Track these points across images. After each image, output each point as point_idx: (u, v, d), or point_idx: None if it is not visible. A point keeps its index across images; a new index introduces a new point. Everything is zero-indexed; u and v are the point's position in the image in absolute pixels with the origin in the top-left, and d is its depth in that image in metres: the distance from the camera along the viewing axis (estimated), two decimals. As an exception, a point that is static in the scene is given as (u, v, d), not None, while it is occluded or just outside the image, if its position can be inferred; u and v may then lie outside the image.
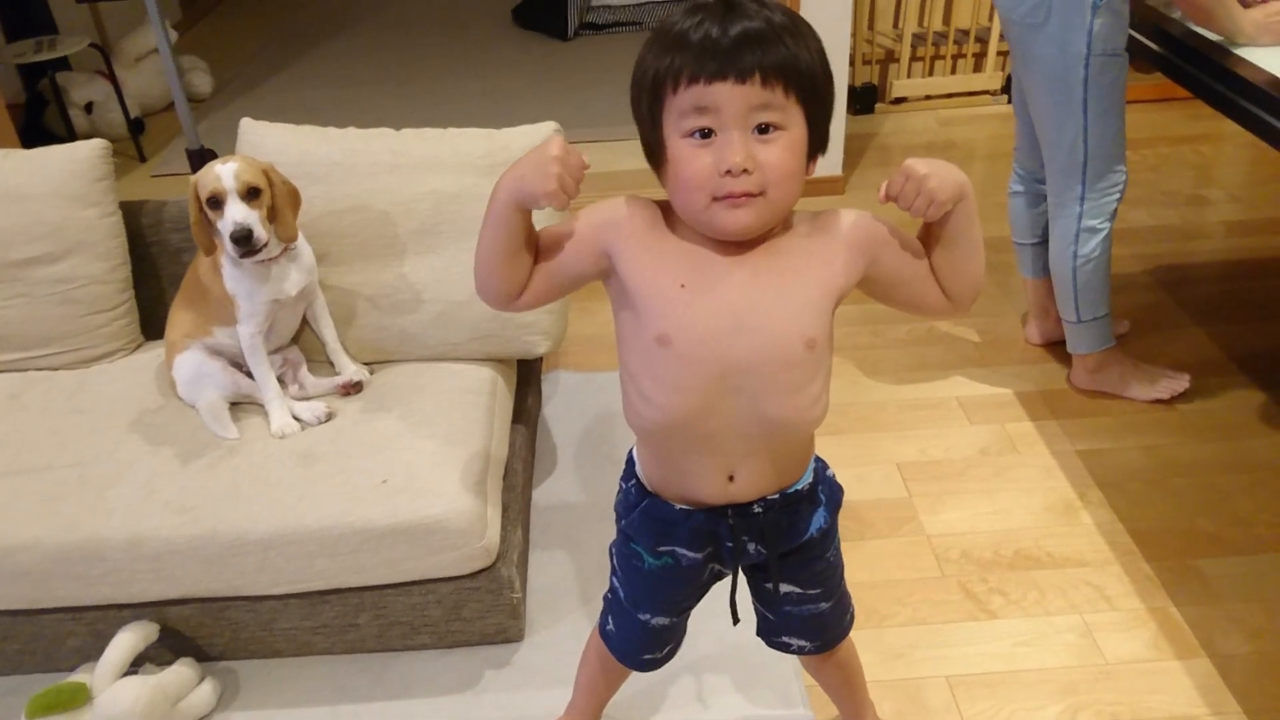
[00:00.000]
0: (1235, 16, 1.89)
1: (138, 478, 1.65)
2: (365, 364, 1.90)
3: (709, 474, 1.12)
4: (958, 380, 2.38)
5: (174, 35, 3.79)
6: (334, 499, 1.58)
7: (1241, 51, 1.90)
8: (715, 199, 0.97)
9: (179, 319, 1.84)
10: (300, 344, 1.91)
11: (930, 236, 1.08)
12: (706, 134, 0.96)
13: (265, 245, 1.64)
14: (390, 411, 1.76)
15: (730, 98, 0.93)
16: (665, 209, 1.07)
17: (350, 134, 1.94)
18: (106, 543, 1.56)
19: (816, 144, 1.01)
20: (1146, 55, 2.15)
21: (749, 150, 0.95)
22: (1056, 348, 2.45)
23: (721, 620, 1.30)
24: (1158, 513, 1.97)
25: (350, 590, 1.64)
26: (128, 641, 1.60)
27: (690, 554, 1.20)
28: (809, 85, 0.96)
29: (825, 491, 1.22)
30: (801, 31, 0.97)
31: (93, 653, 1.63)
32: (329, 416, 1.77)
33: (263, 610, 1.66)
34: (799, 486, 1.17)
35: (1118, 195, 2.12)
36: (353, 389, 1.84)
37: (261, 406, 1.78)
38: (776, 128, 0.95)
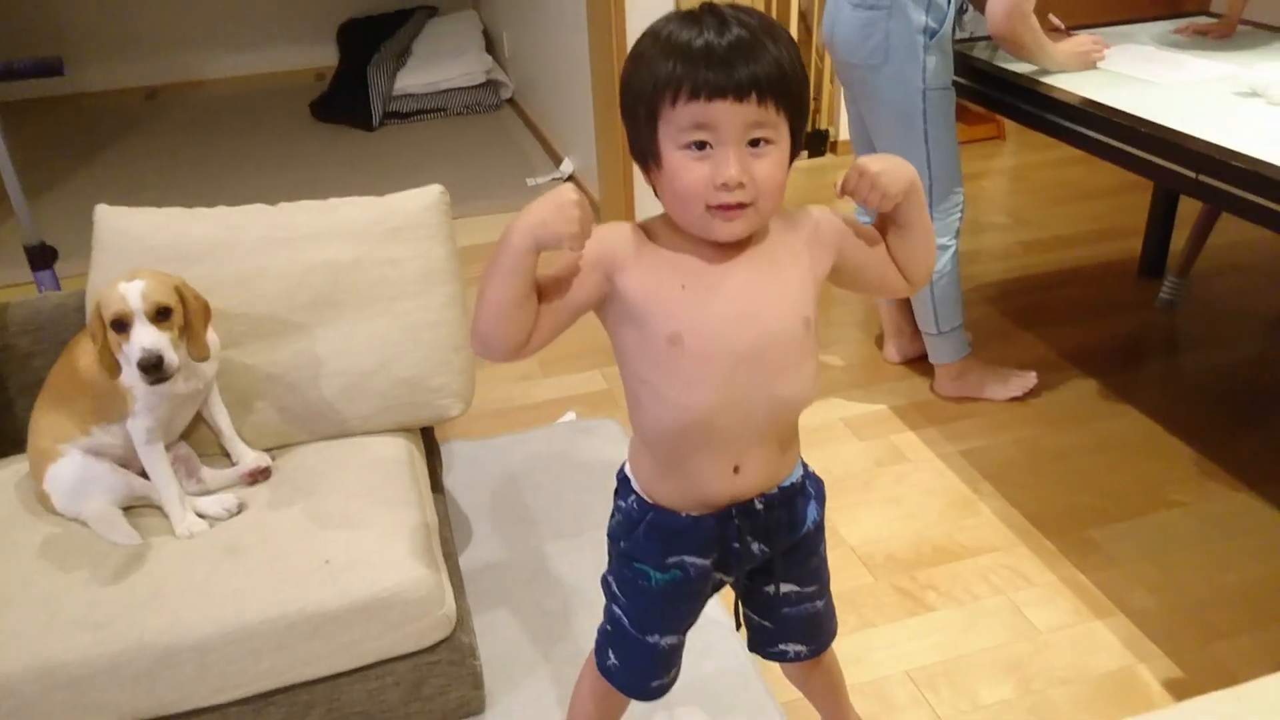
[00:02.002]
0: (1048, 50, 2.16)
1: (34, 600, 1.44)
2: (265, 450, 1.77)
3: (716, 468, 1.15)
4: (836, 403, 2.50)
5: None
6: (275, 587, 1.45)
7: (1051, 79, 2.17)
8: (709, 208, 1.02)
9: (47, 423, 1.65)
10: (187, 439, 1.76)
11: (885, 225, 1.17)
12: (702, 146, 1.00)
13: (177, 371, 1.51)
14: (312, 492, 1.65)
15: (729, 115, 0.98)
16: (646, 227, 1.11)
17: (222, 212, 1.84)
18: (10, 675, 1.35)
19: (794, 151, 1.07)
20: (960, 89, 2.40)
21: (744, 165, 1.00)
22: (914, 364, 2.63)
23: (688, 651, 1.31)
24: (1043, 495, 2.14)
25: (299, 686, 1.50)
26: (42, 789, 1.38)
27: (699, 561, 1.21)
28: (796, 103, 1.03)
29: (812, 485, 1.26)
30: (781, 37, 1.03)
31: (-5, 811, 1.40)
32: (240, 508, 1.64)
33: (198, 727, 1.49)
34: (793, 480, 1.22)
35: (959, 214, 2.34)
36: (260, 475, 1.71)
37: (158, 509, 1.62)
38: (767, 142, 1.01)
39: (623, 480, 1.24)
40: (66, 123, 4.98)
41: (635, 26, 2.89)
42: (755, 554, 1.22)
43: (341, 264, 1.79)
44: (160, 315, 1.50)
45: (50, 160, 4.45)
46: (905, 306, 2.60)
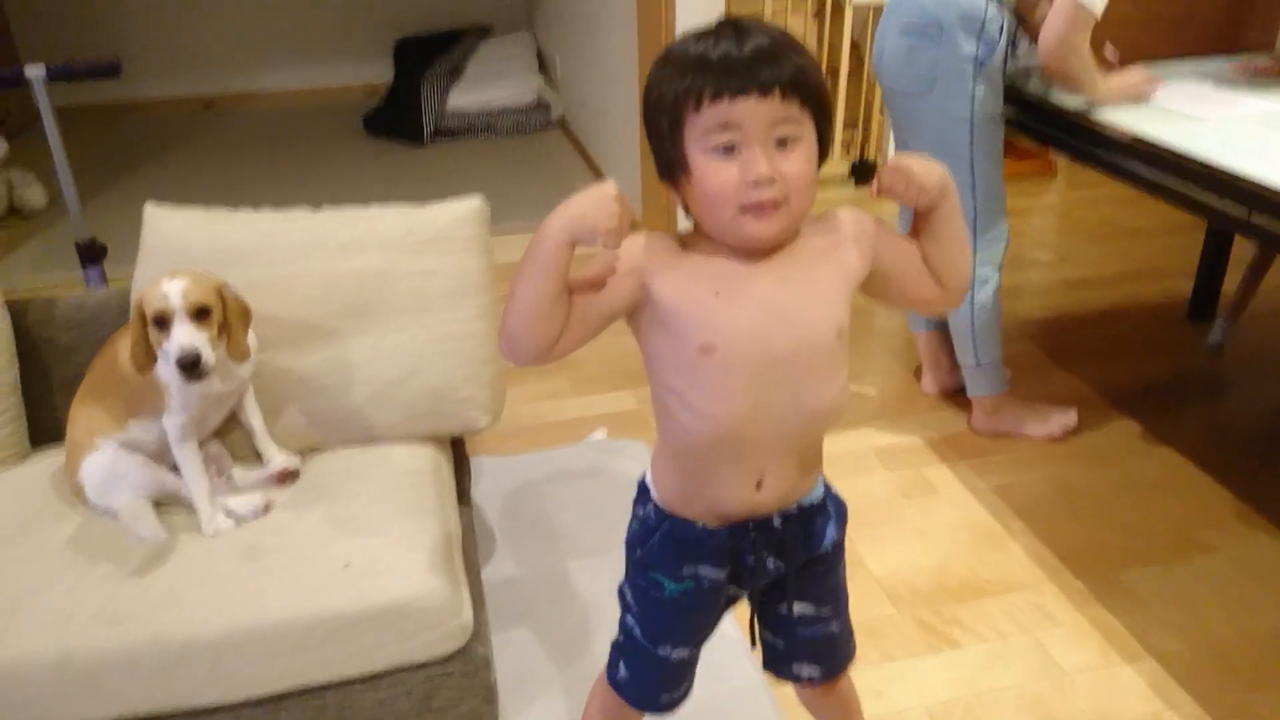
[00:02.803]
0: (1097, 82, 2.13)
1: (57, 593, 1.46)
2: (294, 453, 1.79)
3: (739, 481, 1.14)
4: (867, 433, 2.48)
5: (5, 147, 3.57)
6: (293, 590, 1.46)
7: (1102, 115, 2.13)
8: (743, 209, 1.02)
9: (84, 416, 1.69)
10: (221, 438, 1.79)
11: (920, 229, 1.16)
12: (730, 148, 1.01)
13: (213, 370, 1.54)
14: (335, 497, 1.66)
15: (754, 113, 0.99)
16: (681, 238, 1.11)
17: (263, 216, 1.88)
18: (28, 664, 1.37)
19: (823, 151, 1.08)
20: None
21: (773, 162, 1.00)
22: (950, 397, 2.60)
23: (727, 664, 1.29)
24: (1074, 534, 2.10)
25: (311, 691, 1.50)
26: (55, 778, 1.40)
27: (713, 573, 1.20)
28: (817, 96, 1.03)
29: (833, 505, 1.25)
30: (802, 48, 1.04)
31: (10, 796, 1.41)
32: (267, 509, 1.65)
33: (211, 725, 1.50)
34: (813, 499, 1.21)
35: (1003, 246, 2.31)
36: (289, 477, 1.72)
37: (187, 506, 1.64)
38: (794, 139, 1.01)
39: (642, 488, 1.24)
40: (126, 129, 5.12)
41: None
42: (769, 569, 1.21)
43: (374, 272, 1.81)
44: (200, 315, 1.52)
45: (107, 164, 4.58)
46: (944, 338, 2.57)
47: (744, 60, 0.98)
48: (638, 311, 1.10)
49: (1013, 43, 2.23)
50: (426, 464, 1.79)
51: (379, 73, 5.53)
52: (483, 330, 1.86)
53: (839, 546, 1.26)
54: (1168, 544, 2.06)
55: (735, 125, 0.99)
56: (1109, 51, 2.37)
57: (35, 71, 1.89)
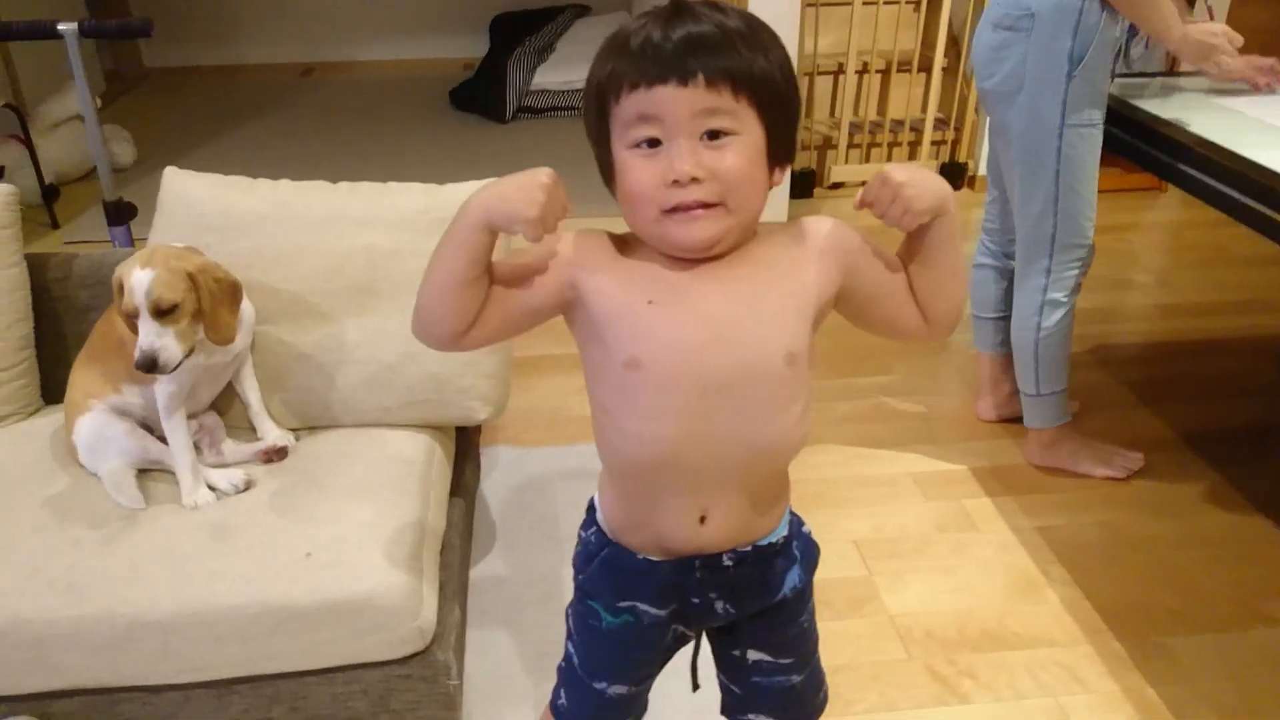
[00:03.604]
0: (1171, 24, 1.88)
1: (20, 555, 1.45)
2: (290, 430, 1.75)
3: (680, 514, 1.02)
4: (909, 456, 2.31)
5: (98, 103, 3.66)
6: (249, 575, 1.42)
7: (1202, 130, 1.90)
8: (665, 211, 0.91)
9: (82, 377, 1.68)
10: (220, 409, 1.76)
11: (909, 251, 1.02)
12: (654, 143, 0.90)
13: (178, 365, 1.49)
14: (316, 480, 1.61)
15: (674, 102, 0.87)
16: (620, 237, 1.00)
17: (282, 186, 1.84)
18: (-23, 627, 1.37)
19: (779, 152, 0.94)
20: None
21: (697, 158, 0.88)
22: (1007, 424, 2.41)
23: (679, 700, 1.19)
24: (1121, 590, 1.90)
25: (264, 679, 1.46)
26: (0, 741, 1.39)
27: (652, 610, 1.09)
28: (763, 89, 0.90)
29: (800, 548, 1.13)
30: (761, 40, 0.92)
31: (-42, 755, 1.41)
32: (247, 485, 1.61)
33: (161, 703, 1.47)
34: (772, 539, 1.08)
35: (1080, 269, 2.10)
36: (276, 455, 1.68)
37: (172, 474, 1.61)
38: (727, 133, 0.89)
39: (590, 508, 1.15)
40: (226, 92, 5.23)
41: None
42: (719, 613, 1.09)
43: (382, 251, 1.75)
44: (164, 312, 1.48)
45: (203, 125, 4.68)
46: (1008, 361, 2.37)
47: (667, 46, 0.87)
48: (571, 314, 1.00)
49: (1125, 44, 2.01)
50: (420, 452, 1.72)
51: (474, 47, 5.52)
52: (490, 319, 1.78)
53: (803, 593, 1.14)
54: (1226, 612, 1.85)
55: (655, 117, 0.88)
56: (1210, 3, 2.11)
57: (68, 26, 1.89)
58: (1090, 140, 1.99)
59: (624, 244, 0.99)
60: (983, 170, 3.87)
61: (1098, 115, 1.98)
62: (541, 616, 1.81)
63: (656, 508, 1.03)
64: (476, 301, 0.97)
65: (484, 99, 4.81)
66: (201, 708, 1.48)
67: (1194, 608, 1.86)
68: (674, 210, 0.90)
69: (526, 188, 0.90)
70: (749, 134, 0.90)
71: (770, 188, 0.96)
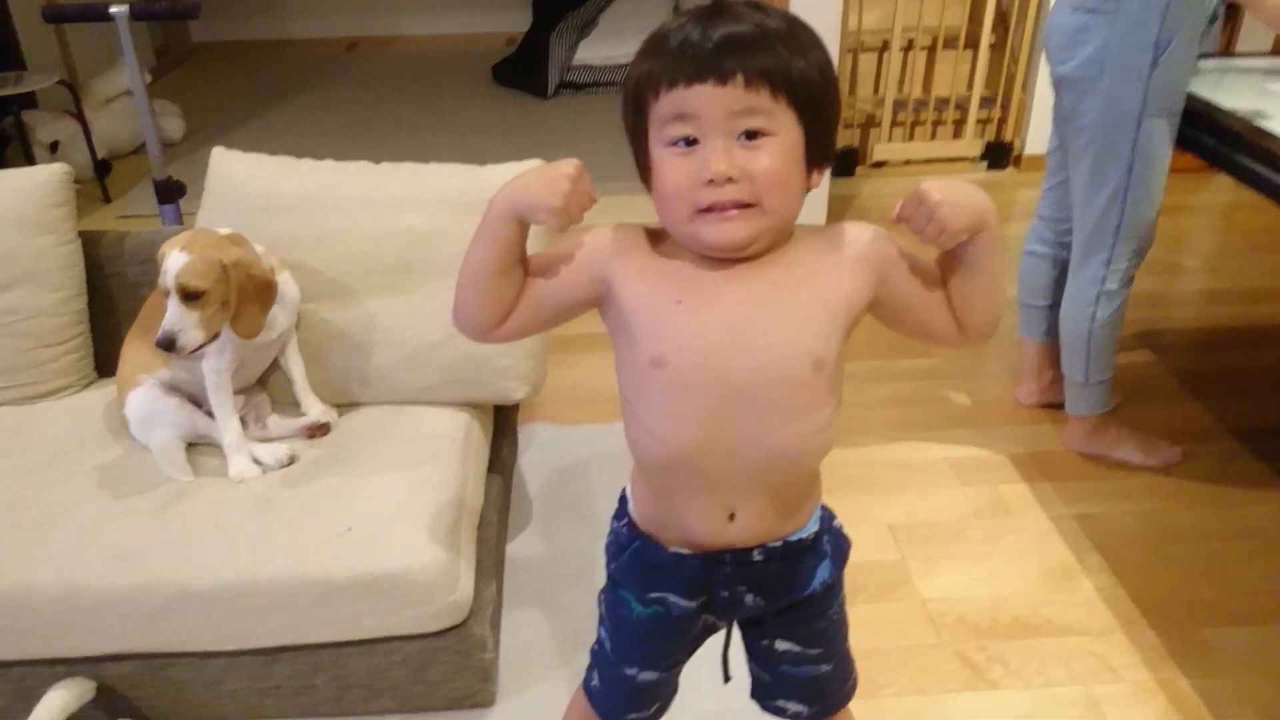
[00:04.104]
0: None
1: (77, 523, 1.51)
2: (332, 406, 1.79)
3: (708, 512, 1.03)
4: (946, 441, 2.31)
5: (148, 78, 3.72)
6: (291, 549, 1.46)
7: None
8: (699, 211, 0.91)
9: (133, 352, 1.73)
10: (266, 385, 1.80)
11: (947, 262, 1.00)
12: (690, 142, 0.90)
13: (200, 347, 1.54)
14: (357, 456, 1.65)
15: (711, 101, 0.87)
16: (655, 233, 1.01)
17: (325, 167, 1.87)
18: (38, 592, 1.42)
19: (817, 153, 0.94)
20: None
21: (732, 158, 0.88)
22: (1048, 409, 2.39)
23: (710, 683, 1.20)
24: (1159, 580, 1.89)
25: (306, 648, 1.51)
26: (58, 701, 1.45)
27: (682, 602, 1.10)
28: (802, 90, 0.89)
29: (831, 542, 1.13)
30: (800, 40, 0.91)
31: (19, 713, 1.47)
32: (291, 460, 1.66)
33: (209, 669, 1.52)
34: (802, 535, 1.08)
35: (1138, 260, 2.06)
36: (319, 431, 1.72)
37: (219, 447, 1.66)
38: (763, 133, 0.89)
39: (622, 500, 1.16)
40: (272, 66, 5.28)
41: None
42: (748, 605, 1.11)
43: (421, 232, 1.77)
44: (190, 297, 1.52)
45: (250, 100, 4.74)
46: (1053, 348, 2.34)
47: (706, 45, 0.87)
48: (603, 308, 1.01)
49: (1212, 20, 1.89)
50: (458, 430, 1.75)
51: (517, 21, 5.51)
52: (529, 299, 1.80)
53: (832, 587, 1.14)
54: (1268, 605, 1.82)
55: (692, 115, 0.88)
56: None
57: (119, 9, 1.93)
58: (1168, 132, 1.92)
59: (658, 240, 1.00)
60: (1029, 149, 3.81)
61: (1178, 105, 1.90)
62: (576, 592, 1.84)
63: (683, 505, 1.04)
64: (510, 293, 0.98)
65: (526, 75, 4.81)
66: (247, 674, 1.54)
67: (1234, 600, 1.84)
68: (708, 210, 0.90)
69: (551, 178, 0.91)
70: (786, 135, 0.89)
71: (808, 189, 0.95)
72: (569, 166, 0.92)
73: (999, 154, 3.87)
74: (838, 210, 3.52)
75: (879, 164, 3.88)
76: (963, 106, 3.82)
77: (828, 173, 0.97)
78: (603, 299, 1.00)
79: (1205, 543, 1.98)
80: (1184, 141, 2.01)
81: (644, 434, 1.01)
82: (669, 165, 0.91)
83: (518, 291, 0.99)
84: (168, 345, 1.50)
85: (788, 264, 0.97)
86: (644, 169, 0.96)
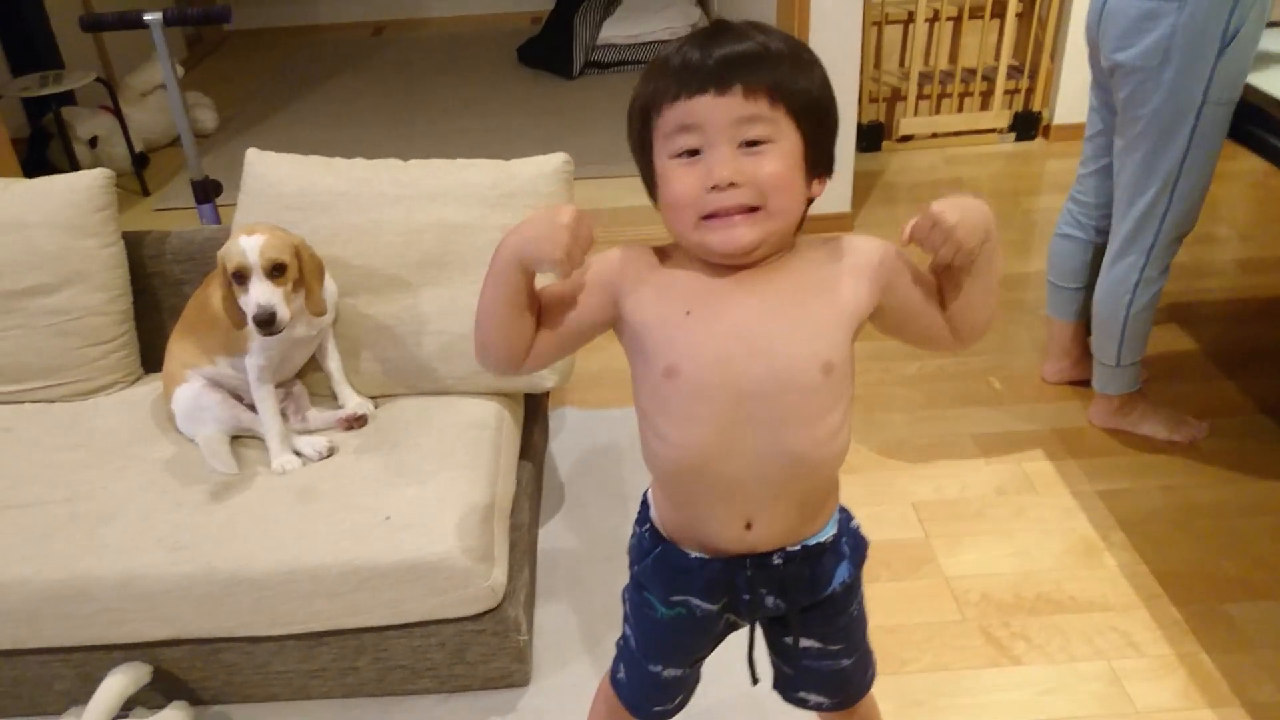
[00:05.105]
0: None
1: (131, 514, 1.59)
2: (369, 397, 1.85)
3: (726, 521, 1.06)
4: (972, 418, 2.33)
5: (180, 71, 3.80)
6: (334, 537, 1.53)
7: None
8: (704, 217, 0.95)
9: (179, 349, 1.80)
10: (304, 378, 1.86)
11: (948, 272, 1.03)
12: (694, 153, 0.94)
13: (289, 323, 1.60)
14: (393, 447, 1.71)
15: (713, 111, 0.91)
16: (661, 250, 1.05)
17: (357, 164, 1.92)
18: (97, 581, 1.50)
19: (818, 162, 0.97)
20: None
21: (736, 164, 0.92)
22: (1074, 386, 2.40)
23: (735, 670, 1.24)
24: (1182, 555, 1.91)
25: (349, 632, 1.58)
26: (118, 684, 1.53)
27: (704, 604, 1.14)
28: (801, 101, 0.93)
29: (849, 544, 1.16)
30: (802, 59, 0.94)
31: (81, 696, 1.56)
32: (330, 451, 1.72)
33: (258, 652, 1.60)
34: (821, 538, 1.11)
35: (1178, 246, 2.05)
36: (356, 423, 1.79)
37: (262, 440, 1.73)
38: (765, 141, 0.92)
39: (643, 504, 1.19)
40: (300, 52, 5.35)
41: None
42: (769, 606, 1.14)
43: (453, 226, 1.82)
44: (275, 271, 1.58)
45: (280, 86, 4.81)
46: (1082, 328, 2.35)
47: (708, 62, 0.91)
48: (618, 329, 1.06)
49: None
50: (490, 418, 1.81)
51: (542, 0, 5.53)
52: (556, 290, 1.84)
53: (851, 587, 1.17)
54: (1291, 578, 1.85)
55: (695, 126, 0.92)
56: None
57: (153, 16, 1.99)
58: (1224, 120, 1.89)
59: (664, 256, 1.03)
60: (1058, 119, 3.78)
61: (1237, 94, 1.87)
62: (607, 574, 1.89)
63: (701, 514, 1.07)
64: (527, 328, 1.03)
65: (551, 55, 4.83)
66: (295, 655, 1.61)
67: (1258, 575, 1.86)
68: (713, 216, 0.94)
69: (552, 230, 0.94)
70: (786, 142, 0.93)
71: (810, 200, 0.98)
72: (566, 216, 0.95)
73: (1028, 125, 3.84)
74: (864, 186, 3.52)
75: (905, 138, 3.87)
76: (990, 77, 3.79)
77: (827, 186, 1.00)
78: (616, 319, 1.04)
79: (1229, 518, 1.99)
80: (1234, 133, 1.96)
81: (660, 443, 1.04)
82: (675, 175, 0.94)
83: (534, 327, 1.03)
84: (267, 321, 1.55)
85: (794, 271, 1.00)
86: (650, 185, 1.00)
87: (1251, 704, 1.61)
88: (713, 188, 0.92)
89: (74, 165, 3.58)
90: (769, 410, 0.99)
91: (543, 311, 1.04)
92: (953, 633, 1.77)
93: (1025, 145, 3.86)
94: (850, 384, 1.04)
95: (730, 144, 0.92)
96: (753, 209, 0.93)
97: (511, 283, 0.99)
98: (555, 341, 1.05)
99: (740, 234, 0.94)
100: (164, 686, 1.61)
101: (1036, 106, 3.83)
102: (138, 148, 3.76)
